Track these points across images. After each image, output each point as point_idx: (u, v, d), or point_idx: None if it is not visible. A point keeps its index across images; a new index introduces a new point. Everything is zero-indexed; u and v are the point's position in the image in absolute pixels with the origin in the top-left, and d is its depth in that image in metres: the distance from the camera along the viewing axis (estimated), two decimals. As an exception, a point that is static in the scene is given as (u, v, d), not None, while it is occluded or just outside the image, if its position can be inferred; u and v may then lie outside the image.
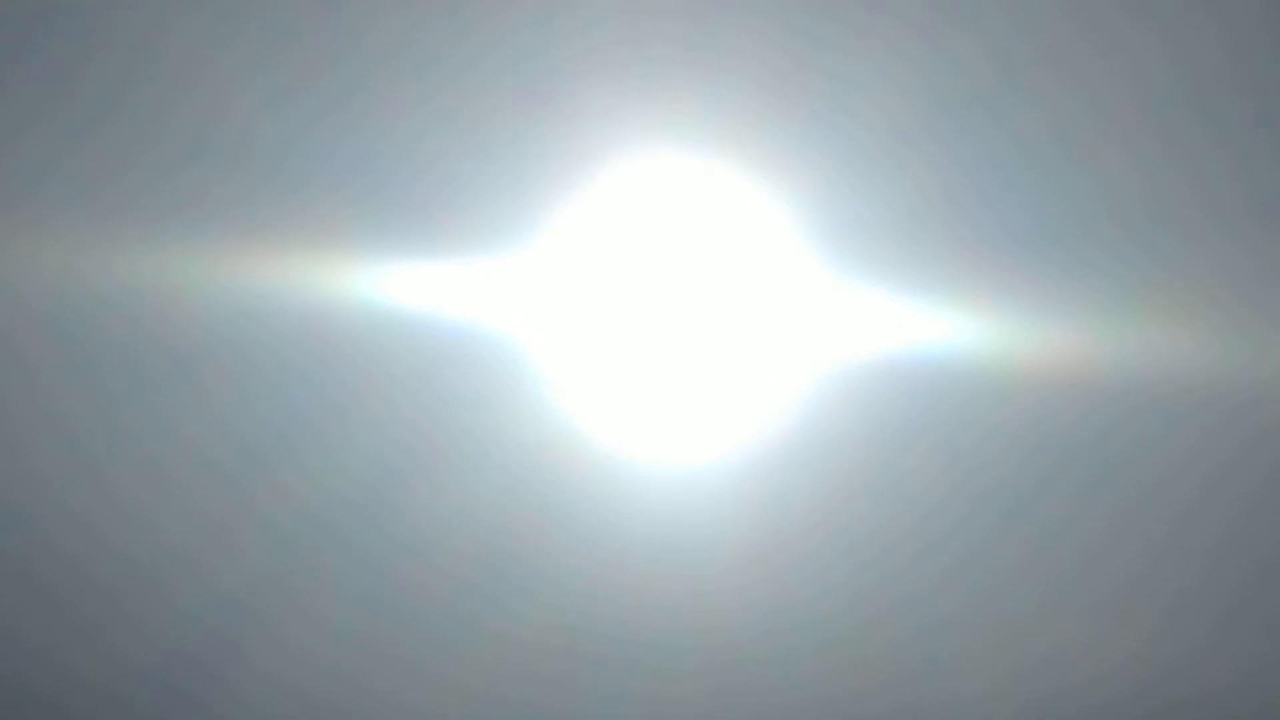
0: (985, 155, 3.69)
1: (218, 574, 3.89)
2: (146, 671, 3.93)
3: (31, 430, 3.87)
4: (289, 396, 3.83)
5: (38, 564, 3.91)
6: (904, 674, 3.77)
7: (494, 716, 3.87)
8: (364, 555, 3.85)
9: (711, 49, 3.70)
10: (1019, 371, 3.68)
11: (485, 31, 3.74)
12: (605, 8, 3.71)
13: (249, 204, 3.80)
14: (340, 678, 3.90)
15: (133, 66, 3.81)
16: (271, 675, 3.91)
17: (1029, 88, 3.67)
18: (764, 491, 3.76)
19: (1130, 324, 3.65)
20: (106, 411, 3.85)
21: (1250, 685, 3.68)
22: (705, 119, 3.72)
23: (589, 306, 3.77)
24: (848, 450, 3.73)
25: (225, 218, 3.81)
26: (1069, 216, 3.67)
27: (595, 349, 3.78)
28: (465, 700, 3.87)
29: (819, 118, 3.69)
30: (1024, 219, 3.68)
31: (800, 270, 3.73)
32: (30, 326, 3.84)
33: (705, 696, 3.81)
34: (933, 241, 3.69)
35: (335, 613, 3.88)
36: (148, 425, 3.85)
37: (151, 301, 3.83)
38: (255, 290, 3.81)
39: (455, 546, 3.84)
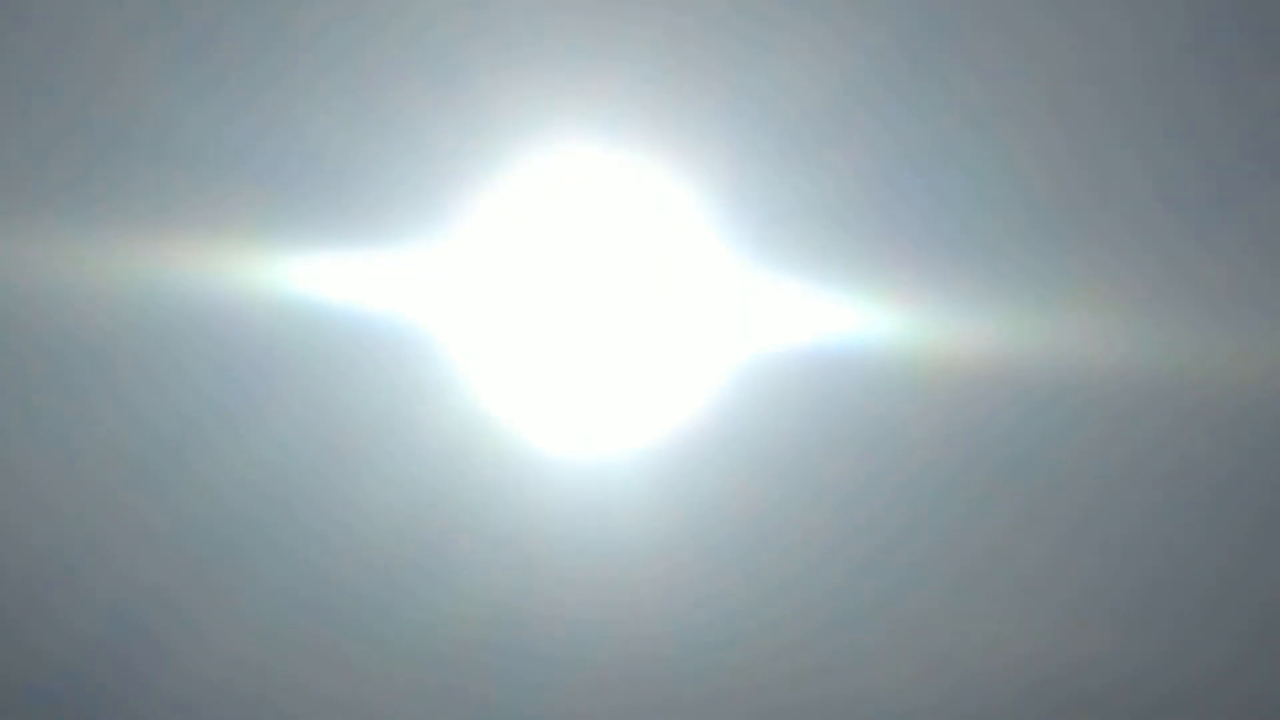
0: (901, 147, 3.70)
1: (135, 568, 3.88)
2: (64, 667, 3.91)
3: (-53, 422, 3.85)
4: (204, 388, 3.82)
5: (-44, 558, 3.89)
6: (820, 666, 3.77)
7: (414, 707, 3.86)
8: (281, 547, 3.84)
9: (625, 39, 3.71)
10: (934, 363, 3.69)
11: (399, 24, 3.75)
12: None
13: (166, 196, 3.80)
14: (259, 670, 3.89)
15: (50, 60, 3.80)
16: (189, 668, 3.90)
17: (944, 80, 3.69)
18: (680, 482, 3.76)
19: (1044, 316, 3.67)
20: (19, 404, 3.84)
21: (1159, 677, 3.69)
22: (621, 109, 3.72)
23: (505, 297, 3.78)
24: (763, 441, 3.74)
25: (141, 209, 3.80)
26: (983, 209, 3.69)
27: (511, 340, 3.78)
28: (385, 691, 3.86)
29: (734, 108, 3.70)
30: (939, 211, 3.69)
31: (717, 261, 3.74)
32: (-57, 317, 3.83)
33: (622, 687, 3.81)
34: (849, 233, 3.71)
35: (253, 604, 3.87)
36: (61, 417, 3.84)
37: (67, 293, 3.81)
38: (172, 281, 3.81)
39: (372, 538, 3.83)
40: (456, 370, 3.78)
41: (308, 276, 3.78)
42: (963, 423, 3.69)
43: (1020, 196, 3.67)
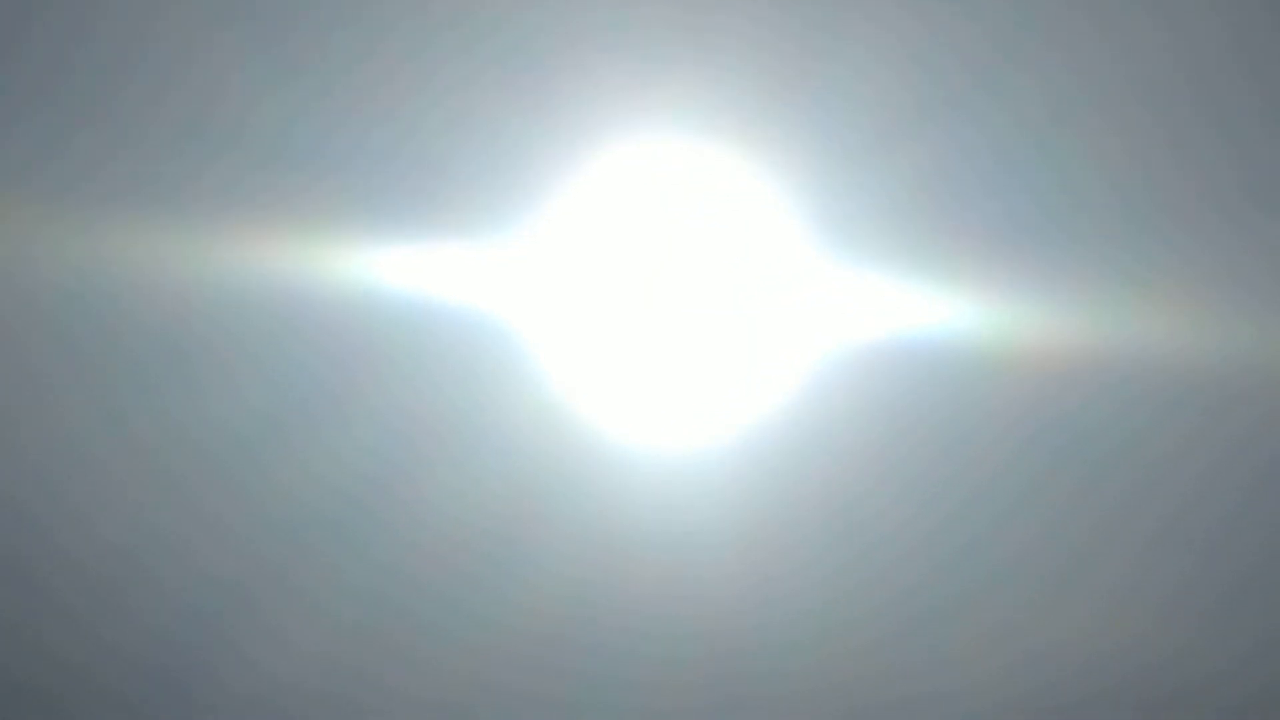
0: (984, 138, 3.66)
1: (212, 565, 3.87)
2: (140, 663, 3.90)
3: (23, 418, 3.85)
4: (283, 382, 3.81)
5: (29, 554, 3.89)
6: (903, 664, 3.74)
7: (490, 705, 3.84)
8: (359, 544, 3.83)
9: (709, 32, 3.68)
10: (1018, 357, 3.66)
11: (481, 13, 3.73)
12: (601, -10, 3.70)
13: (243, 188, 3.79)
14: (335, 668, 3.87)
15: (126, 49, 3.80)
16: (265, 666, 3.89)
17: (1029, 71, 3.65)
18: (762, 477, 3.73)
19: (1129, 308, 3.63)
20: (98, 399, 3.83)
21: (1249, 673, 3.65)
22: (702, 102, 3.70)
23: (586, 290, 3.75)
24: (846, 436, 3.70)
25: (218, 202, 3.79)
26: (1068, 200, 3.65)
27: (593, 333, 3.76)
28: (462, 689, 3.84)
29: (816, 100, 3.68)
30: (1023, 203, 3.66)
31: (798, 254, 3.71)
32: (21, 313, 3.82)
33: (703, 685, 3.79)
34: (931, 225, 3.67)
35: (330, 602, 3.86)
36: (140, 413, 3.83)
37: (144, 287, 3.81)
38: (249, 275, 3.80)
39: (451, 534, 3.81)
40: (537, 365, 3.76)
41: (385, 270, 3.76)
42: (1049, 418, 3.65)
43: (1108, 188, 3.63)
